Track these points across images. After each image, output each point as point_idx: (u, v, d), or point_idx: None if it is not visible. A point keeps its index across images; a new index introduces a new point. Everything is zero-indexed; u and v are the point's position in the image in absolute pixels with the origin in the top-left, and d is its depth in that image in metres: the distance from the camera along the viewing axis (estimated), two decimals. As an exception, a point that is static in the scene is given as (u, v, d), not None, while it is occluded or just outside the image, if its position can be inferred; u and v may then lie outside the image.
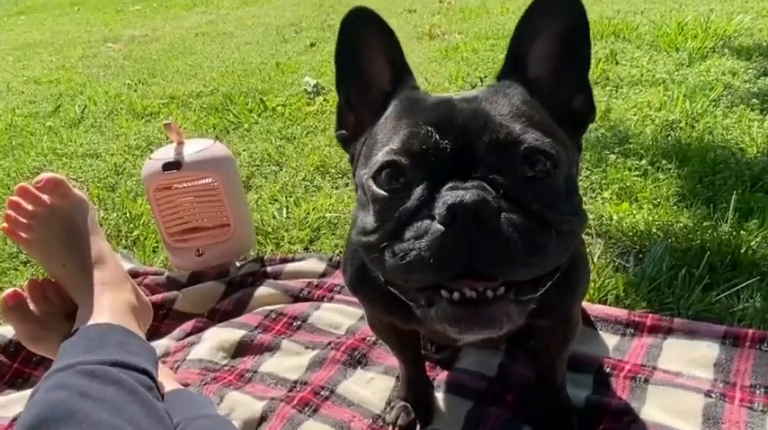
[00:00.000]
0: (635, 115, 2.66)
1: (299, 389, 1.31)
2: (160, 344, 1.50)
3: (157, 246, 2.04)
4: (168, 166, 1.65)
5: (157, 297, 1.61)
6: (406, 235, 0.69)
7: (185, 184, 1.72)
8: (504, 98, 0.78)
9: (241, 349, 1.44)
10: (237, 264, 1.79)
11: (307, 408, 1.24)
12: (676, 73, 3.18)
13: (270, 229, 2.05)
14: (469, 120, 0.73)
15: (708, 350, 1.28)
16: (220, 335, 1.47)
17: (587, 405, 1.19)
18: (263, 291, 1.62)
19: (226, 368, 1.40)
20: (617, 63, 3.52)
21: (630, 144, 2.34)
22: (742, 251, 1.59)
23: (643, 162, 2.19)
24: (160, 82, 4.54)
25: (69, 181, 1.33)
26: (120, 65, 5.42)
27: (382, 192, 0.75)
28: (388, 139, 0.77)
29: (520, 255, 0.65)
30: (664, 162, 2.16)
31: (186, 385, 1.35)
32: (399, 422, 1.22)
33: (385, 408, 1.27)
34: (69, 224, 1.28)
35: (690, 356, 1.28)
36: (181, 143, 1.72)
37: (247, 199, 2.17)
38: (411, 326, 1.06)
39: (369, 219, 0.78)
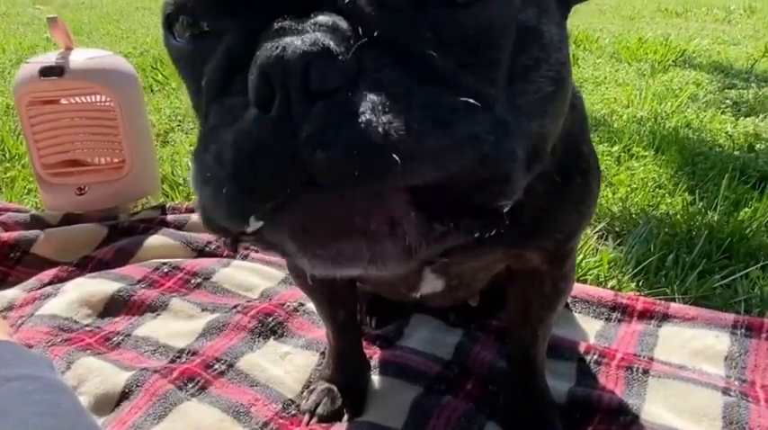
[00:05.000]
0: (603, 109, 2.47)
1: (184, 360, 0.96)
2: (3, 295, 1.10)
3: (33, 188, 1.63)
4: (47, 72, 1.27)
5: (11, 235, 1.21)
6: (211, 123, 0.42)
7: (69, 100, 1.33)
8: None
9: (113, 306, 1.07)
10: (131, 212, 1.42)
11: (190, 385, 0.89)
12: (640, 80, 3.05)
13: (181, 180, 1.68)
14: None
15: (716, 341, 1.02)
16: (87, 287, 1.09)
17: (570, 400, 0.91)
18: (156, 240, 1.25)
19: (87, 329, 1.03)
20: (579, 67, 3.36)
21: (601, 132, 2.14)
22: (735, 240, 1.38)
23: (615, 148, 1.97)
24: (85, 40, 4.08)
25: None
26: (43, 23, 4.90)
27: (177, 44, 0.45)
28: None
29: (406, 150, 0.35)
30: (638, 149, 1.95)
31: (29, 347, 0.97)
32: (320, 410, 0.88)
33: (302, 392, 0.93)
34: None
35: (694, 347, 1.02)
36: (69, 49, 1.34)
37: (163, 154, 1.81)
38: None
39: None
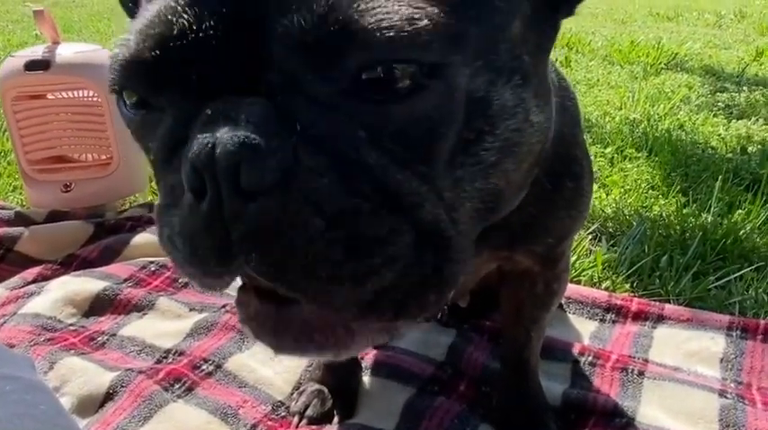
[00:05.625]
0: (595, 111, 2.47)
1: (170, 360, 0.93)
2: (-16, 294, 1.08)
3: (18, 185, 1.60)
4: (33, 66, 1.25)
5: (-7, 232, 1.18)
6: (160, 199, 0.44)
7: (56, 95, 1.31)
8: None
9: (98, 305, 1.04)
10: (118, 210, 1.39)
11: (177, 386, 0.86)
12: (632, 83, 3.06)
13: (169, 179, 1.65)
14: None
15: (711, 343, 1.01)
16: (71, 286, 1.06)
17: (565, 401, 0.89)
18: (144, 238, 1.23)
19: (71, 328, 1.00)
20: (572, 69, 3.37)
21: (593, 134, 2.13)
22: (729, 241, 1.37)
23: (608, 150, 1.97)
24: (75, 38, 4.04)
25: None
26: (33, 20, 4.87)
27: (126, 112, 0.45)
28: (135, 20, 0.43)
29: (325, 263, 0.37)
30: (631, 151, 1.95)
31: (11, 347, 0.94)
32: (309, 412, 0.86)
33: (291, 393, 0.91)
34: None
35: (689, 349, 1.01)
36: (56, 43, 1.32)
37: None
38: None
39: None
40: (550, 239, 0.67)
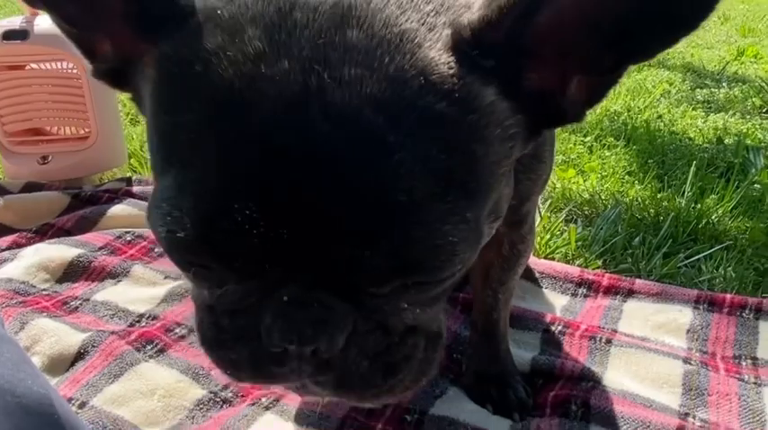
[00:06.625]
0: (577, 102, 2.49)
1: (144, 324, 0.93)
2: (-43, 261, 1.07)
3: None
4: (11, 35, 1.24)
5: (-33, 201, 1.17)
6: (223, 324, 0.51)
7: (34, 66, 1.30)
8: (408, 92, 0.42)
9: (72, 272, 1.04)
10: (96, 185, 1.38)
11: (149, 347, 0.86)
12: (614, 78, 3.09)
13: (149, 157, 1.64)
14: (317, 176, 0.41)
15: (679, 315, 1.03)
16: (46, 253, 1.06)
17: (534, 367, 0.91)
18: (120, 209, 1.22)
19: (44, 292, 1.00)
20: (556, 63, 3.40)
21: (573, 124, 2.16)
22: (701, 225, 1.40)
23: (588, 138, 1.99)
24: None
25: None
26: (18, 6, 4.81)
27: (184, 270, 0.50)
28: (166, 174, 0.45)
29: (371, 388, 0.52)
30: (610, 139, 1.98)
31: (-19, 311, 0.93)
32: (281, 376, 0.87)
33: (263, 358, 0.92)
34: None
35: (657, 321, 1.03)
36: (35, 14, 1.31)
37: (133, 133, 1.77)
38: None
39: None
40: (513, 201, 0.68)
